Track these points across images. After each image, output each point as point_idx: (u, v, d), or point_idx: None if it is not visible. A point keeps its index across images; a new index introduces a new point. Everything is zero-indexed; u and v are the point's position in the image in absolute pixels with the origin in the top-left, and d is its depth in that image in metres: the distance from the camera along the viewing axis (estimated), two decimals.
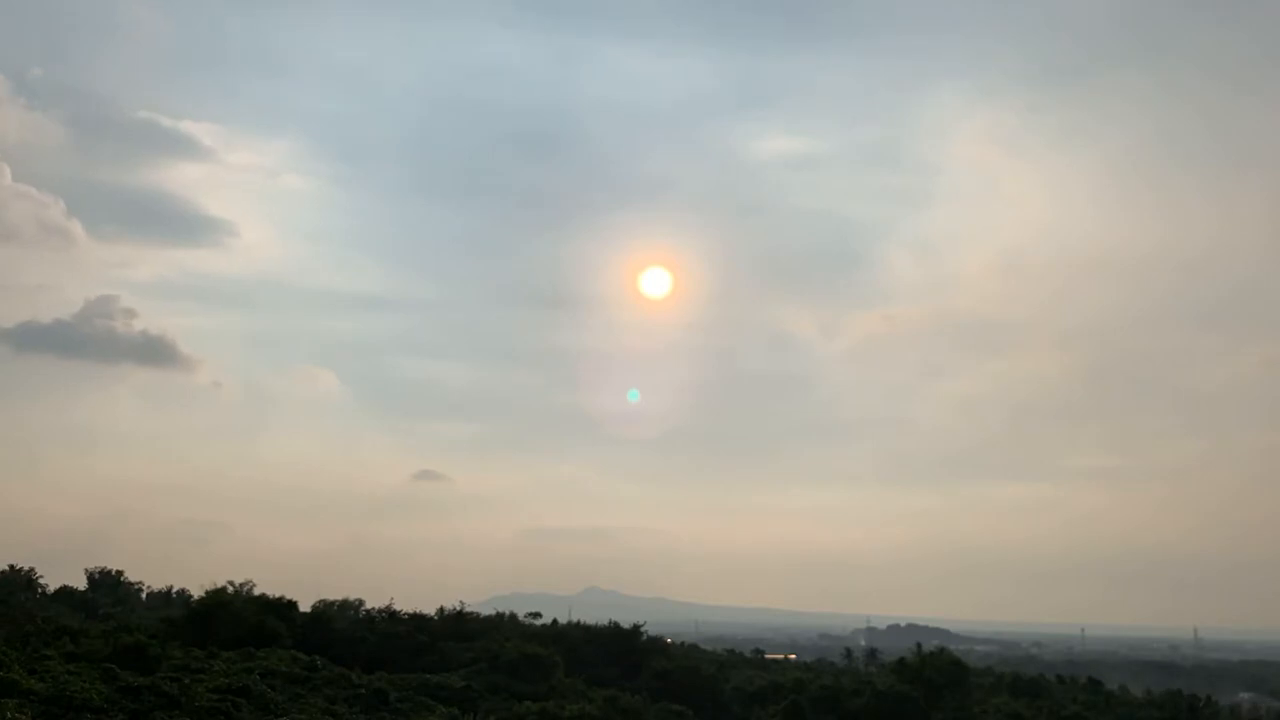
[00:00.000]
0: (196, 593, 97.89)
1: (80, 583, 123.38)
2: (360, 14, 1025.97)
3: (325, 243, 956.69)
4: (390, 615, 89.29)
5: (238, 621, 75.00)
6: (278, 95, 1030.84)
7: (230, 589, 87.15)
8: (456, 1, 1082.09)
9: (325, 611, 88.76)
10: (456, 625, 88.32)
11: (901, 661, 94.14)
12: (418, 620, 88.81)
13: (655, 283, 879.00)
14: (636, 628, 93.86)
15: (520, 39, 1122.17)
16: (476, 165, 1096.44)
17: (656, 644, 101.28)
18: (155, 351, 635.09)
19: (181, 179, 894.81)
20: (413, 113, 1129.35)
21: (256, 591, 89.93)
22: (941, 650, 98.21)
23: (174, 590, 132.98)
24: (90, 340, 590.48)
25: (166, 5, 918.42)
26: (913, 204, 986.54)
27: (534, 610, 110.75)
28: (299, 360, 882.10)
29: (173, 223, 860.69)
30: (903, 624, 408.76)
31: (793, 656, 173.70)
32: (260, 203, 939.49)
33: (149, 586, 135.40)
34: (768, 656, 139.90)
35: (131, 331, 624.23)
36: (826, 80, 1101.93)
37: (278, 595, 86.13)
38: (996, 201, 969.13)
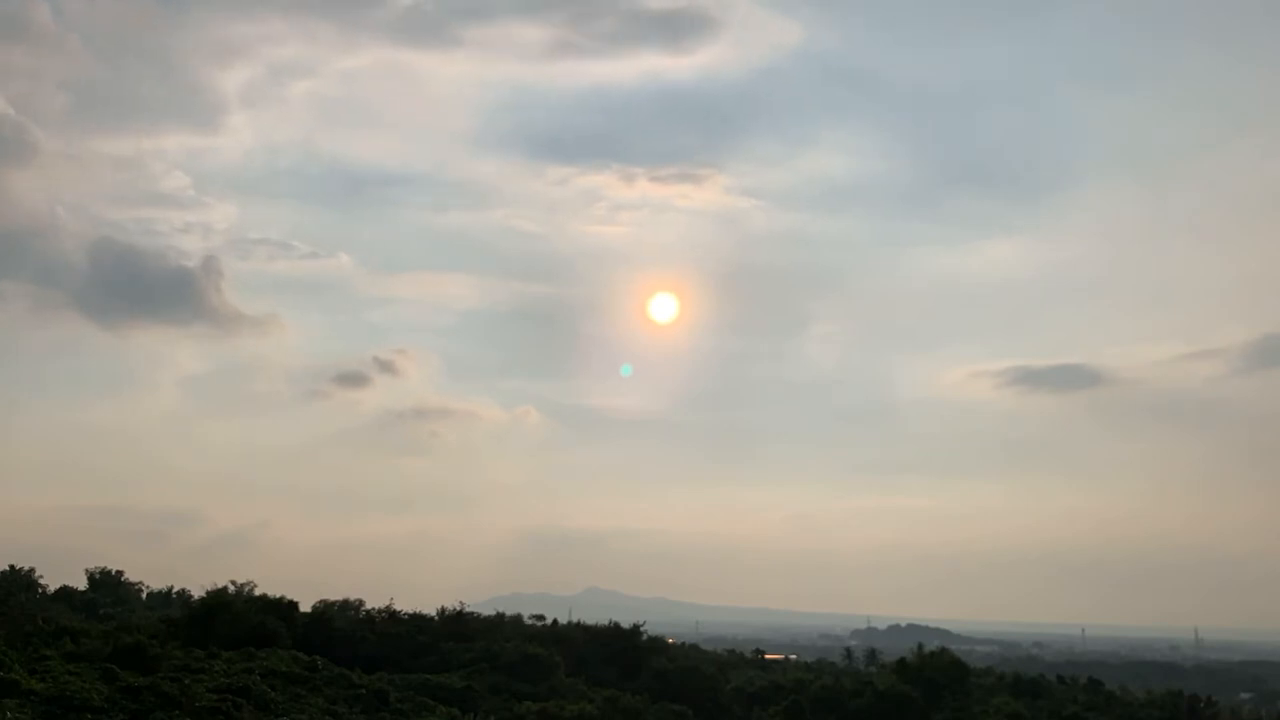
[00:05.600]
0: (197, 593, 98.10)
1: (80, 583, 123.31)
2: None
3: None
4: (390, 615, 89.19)
5: (238, 621, 74.88)
6: None
7: (230, 589, 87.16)
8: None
9: (325, 611, 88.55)
10: (457, 625, 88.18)
11: (902, 662, 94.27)
12: (418, 620, 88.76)
13: (661, 294, 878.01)
14: (637, 628, 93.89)
15: None
16: None
17: (657, 644, 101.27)
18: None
19: None
20: None
21: (257, 591, 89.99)
22: (942, 650, 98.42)
23: (174, 590, 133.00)
24: None
25: None
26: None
27: (534, 610, 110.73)
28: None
29: None
30: (903, 624, 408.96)
31: (793, 657, 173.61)
32: None
33: (149, 586, 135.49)
34: (768, 657, 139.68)
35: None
36: None
37: (278, 595, 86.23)
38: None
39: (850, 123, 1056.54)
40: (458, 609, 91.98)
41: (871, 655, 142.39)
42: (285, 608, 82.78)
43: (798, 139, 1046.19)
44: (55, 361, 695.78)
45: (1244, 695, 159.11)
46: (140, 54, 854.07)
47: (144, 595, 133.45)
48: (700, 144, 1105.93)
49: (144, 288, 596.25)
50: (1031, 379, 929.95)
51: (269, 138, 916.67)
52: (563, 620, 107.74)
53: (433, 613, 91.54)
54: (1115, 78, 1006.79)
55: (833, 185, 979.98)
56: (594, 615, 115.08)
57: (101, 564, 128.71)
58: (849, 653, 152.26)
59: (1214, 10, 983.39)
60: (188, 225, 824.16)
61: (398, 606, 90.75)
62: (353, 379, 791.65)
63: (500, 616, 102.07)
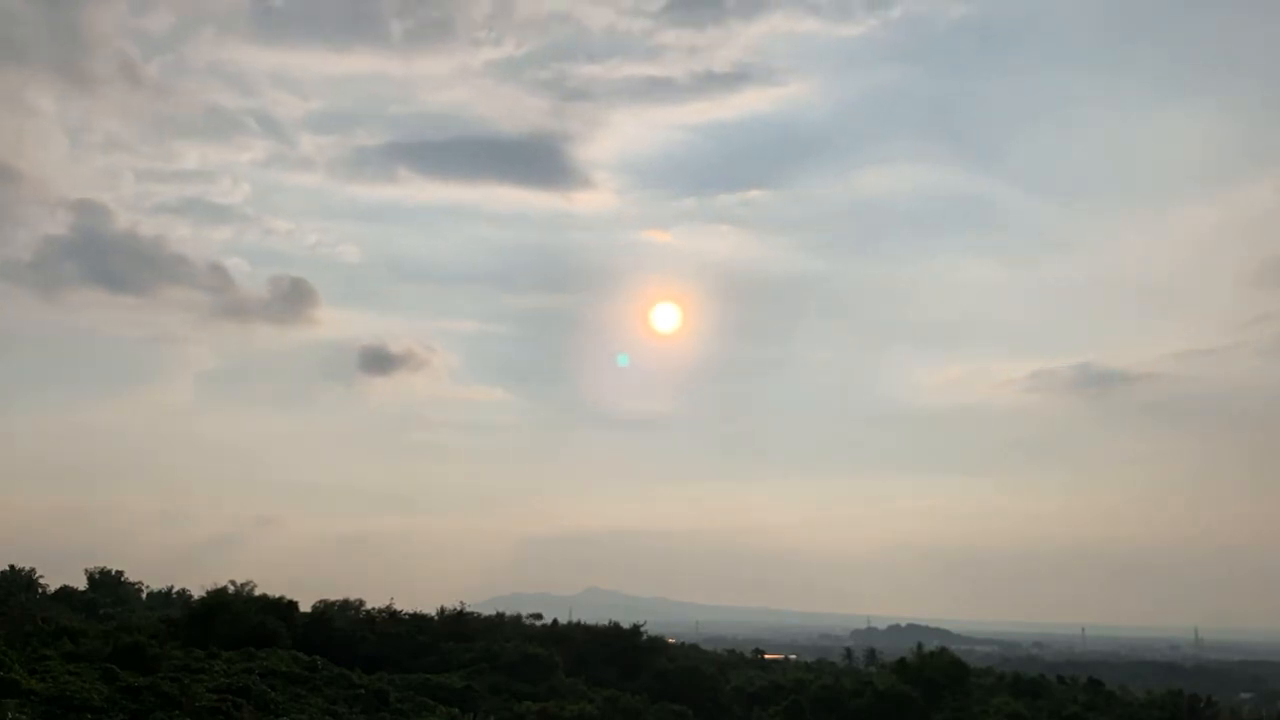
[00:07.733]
0: (196, 593, 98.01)
1: (80, 583, 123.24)
2: None
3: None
4: (391, 615, 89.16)
5: (238, 621, 74.85)
6: None
7: (230, 589, 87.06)
8: None
9: (325, 611, 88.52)
10: (457, 625, 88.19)
11: (902, 662, 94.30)
12: (418, 620, 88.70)
13: (669, 302, 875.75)
14: (637, 628, 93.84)
15: None
16: None
17: (657, 644, 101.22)
18: None
19: None
20: None
21: (257, 591, 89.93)
22: (942, 650, 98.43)
23: (174, 590, 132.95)
24: None
25: None
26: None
27: (535, 610, 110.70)
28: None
29: None
30: (903, 624, 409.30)
31: (793, 657, 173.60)
32: None
33: (149, 586, 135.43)
34: (768, 657, 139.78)
35: None
36: None
37: (278, 595, 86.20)
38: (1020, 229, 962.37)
39: (893, 143, 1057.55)
40: (458, 609, 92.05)
41: (871, 655, 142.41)
42: (285, 608, 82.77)
43: (852, 161, 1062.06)
44: (68, 355, 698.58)
45: (1244, 695, 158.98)
46: (221, 73, 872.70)
47: (144, 595, 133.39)
48: (762, 168, 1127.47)
49: (163, 283, 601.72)
50: (1031, 379, 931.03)
51: (343, 155, 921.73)
52: (563, 620, 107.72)
53: (433, 613, 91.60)
54: (1141, 90, 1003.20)
55: (866, 201, 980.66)
56: (594, 615, 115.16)
57: (101, 564, 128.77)
58: (849, 653, 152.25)
59: (1221, 15, 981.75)
60: (239, 230, 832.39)
61: (398, 606, 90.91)
62: (358, 380, 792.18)
63: (500, 616, 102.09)
